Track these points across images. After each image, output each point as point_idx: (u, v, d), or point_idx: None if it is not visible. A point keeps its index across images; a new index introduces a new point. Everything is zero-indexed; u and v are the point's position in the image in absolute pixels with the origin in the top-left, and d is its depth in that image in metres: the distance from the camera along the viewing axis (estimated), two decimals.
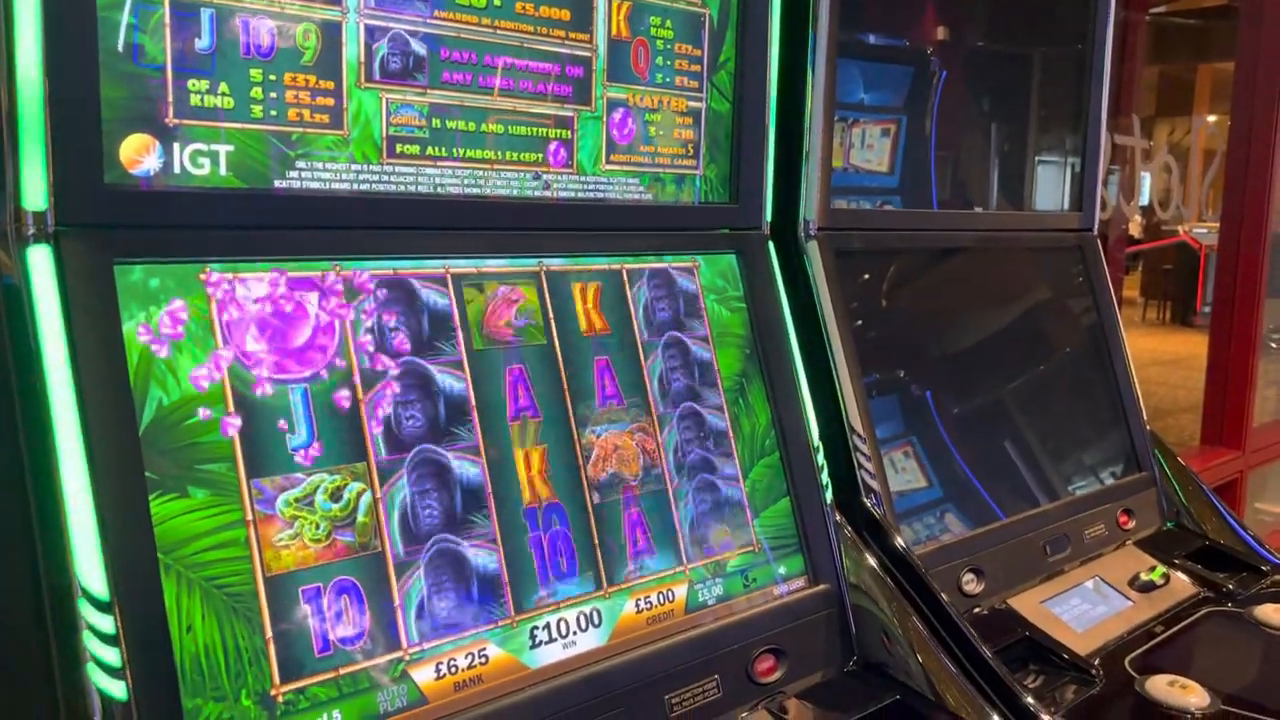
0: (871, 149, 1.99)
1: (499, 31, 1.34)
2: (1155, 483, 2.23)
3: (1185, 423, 7.21)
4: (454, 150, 1.32)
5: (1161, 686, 1.58)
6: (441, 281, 1.30)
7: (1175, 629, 1.82)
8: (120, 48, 1.05)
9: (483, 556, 1.25)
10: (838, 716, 1.41)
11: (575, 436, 1.37)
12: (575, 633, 1.30)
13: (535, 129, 1.40)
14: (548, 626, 1.28)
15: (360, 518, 1.16)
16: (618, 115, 1.48)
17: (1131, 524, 2.12)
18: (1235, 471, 3.88)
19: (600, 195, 1.48)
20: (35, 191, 1.00)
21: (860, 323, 1.84)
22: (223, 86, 1.13)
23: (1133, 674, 1.64)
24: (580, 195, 1.46)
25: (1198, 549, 2.13)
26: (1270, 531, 4.26)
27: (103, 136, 1.05)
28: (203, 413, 1.08)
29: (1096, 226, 2.38)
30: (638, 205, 1.53)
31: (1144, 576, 1.94)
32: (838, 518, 1.59)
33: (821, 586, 1.54)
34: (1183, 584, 1.98)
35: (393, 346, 1.24)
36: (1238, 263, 3.91)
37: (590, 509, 1.36)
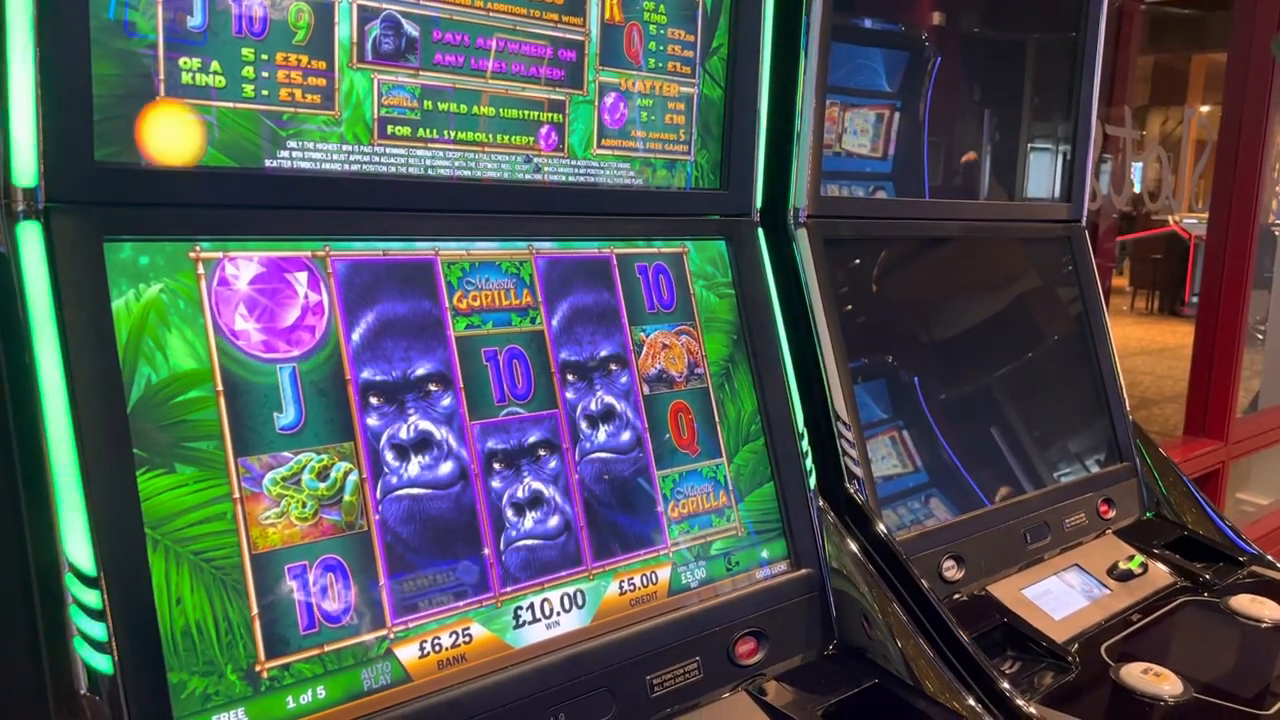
0: (865, 133, 1.99)
1: (492, 14, 1.34)
2: (1136, 473, 2.25)
3: (1170, 412, 7.27)
4: (445, 132, 1.32)
5: (1136, 674, 1.60)
6: (430, 263, 1.30)
7: (1151, 618, 1.85)
8: (112, 23, 1.05)
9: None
10: (817, 699, 1.43)
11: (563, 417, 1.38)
12: (559, 613, 1.32)
13: (527, 112, 1.40)
14: (531, 607, 1.29)
15: (347, 497, 1.17)
16: (609, 100, 1.48)
17: (1112, 513, 2.14)
18: (1218, 462, 3.91)
19: (591, 179, 1.48)
20: (25, 168, 1.00)
21: (850, 307, 1.85)
22: (214, 65, 1.13)
23: (1108, 661, 1.67)
24: (571, 179, 1.46)
25: (1176, 539, 2.16)
26: (1251, 521, 4.31)
27: (94, 113, 1.05)
28: (191, 391, 1.08)
29: (1085, 217, 2.39)
30: (628, 190, 1.53)
31: (1122, 565, 1.96)
32: (821, 503, 1.61)
33: (803, 571, 1.56)
34: (1160, 573, 2.00)
35: (378, 327, 1.24)
36: (1225, 254, 3.92)
37: (577, 490, 1.37)
